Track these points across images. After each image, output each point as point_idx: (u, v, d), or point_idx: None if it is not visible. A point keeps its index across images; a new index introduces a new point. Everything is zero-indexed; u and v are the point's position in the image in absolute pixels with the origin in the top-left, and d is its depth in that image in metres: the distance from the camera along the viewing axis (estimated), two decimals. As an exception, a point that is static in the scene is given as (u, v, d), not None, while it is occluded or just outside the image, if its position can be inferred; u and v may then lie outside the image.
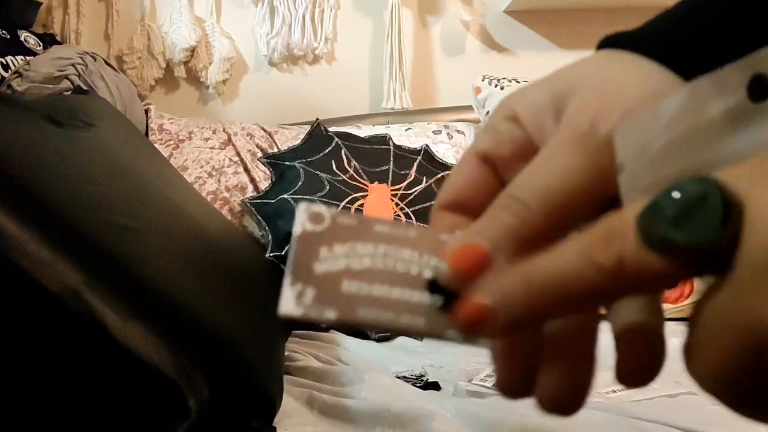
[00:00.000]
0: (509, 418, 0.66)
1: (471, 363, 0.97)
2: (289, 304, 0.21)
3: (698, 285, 1.44)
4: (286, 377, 0.80)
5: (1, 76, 1.23)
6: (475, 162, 0.28)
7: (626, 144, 0.22)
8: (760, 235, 0.16)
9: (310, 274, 0.21)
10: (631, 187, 0.22)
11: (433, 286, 0.22)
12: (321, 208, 0.23)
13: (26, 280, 0.53)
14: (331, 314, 0.21)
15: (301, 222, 0.22)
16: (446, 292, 0.22)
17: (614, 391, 0.83)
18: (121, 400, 0.57)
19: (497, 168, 0.28)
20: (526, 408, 0.72)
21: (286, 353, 0.94)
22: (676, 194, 0.17)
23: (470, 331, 0.21)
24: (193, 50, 1.73)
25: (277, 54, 1.77)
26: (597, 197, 0.23)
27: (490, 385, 0.83)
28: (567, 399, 0.22)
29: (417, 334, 0.22)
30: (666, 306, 1.44)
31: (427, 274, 0.22)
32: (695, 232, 0.17)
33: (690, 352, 0.19)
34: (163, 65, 1.72)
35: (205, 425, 0.59)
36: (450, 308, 0.21)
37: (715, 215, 0.17)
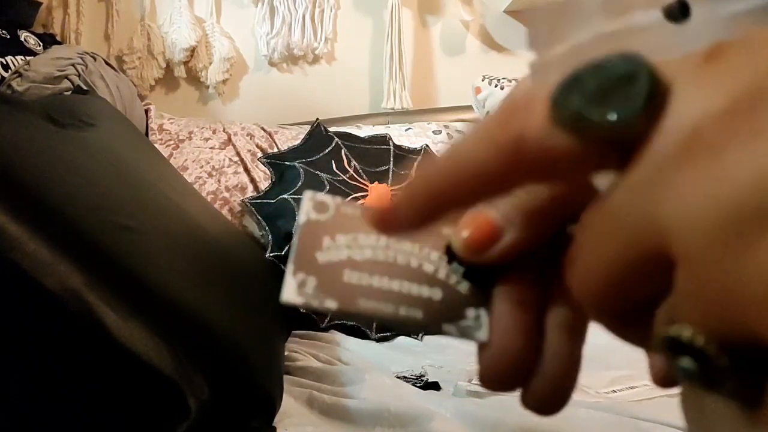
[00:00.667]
0: (509, 417, 0.66)
1: (471, 363, 0.97)
2: (291, 292, 0.21)
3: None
4: (286, 377, 0.80)
5: (1, 76, 1.23)
6: None
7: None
8: (679, 121, 0.15)
9: (312, 264, 0.21)
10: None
11: (450, 254, 0.22)
12: (326, 197, 0.23)
13: (26, 280, 0.53)
14: (331, 304, 0.21)
15: (306, 211, 0.22)
16: (464, 264, 0.22)
17: (614, 391, 0.83)
18: (121, 400, 0.57)
19: None
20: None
21: (286, 353, 0.93)
22: (600, 69, 0.16)
23: (385, 226, 0.21)
24: (193, 50, 1.73)
25: (277, 54, 1.77)
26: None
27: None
28: (556, 397, 0.21)
29: (414, 327, 0.22)
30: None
31: (428, 267, 0.22)
32: (612, 111, 0.15)
33: (571, 261, 0.18)
34: (163, 65, 1.73)
35: (205, 425, 0.59)
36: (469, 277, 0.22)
37: (638, 96, 0.15)
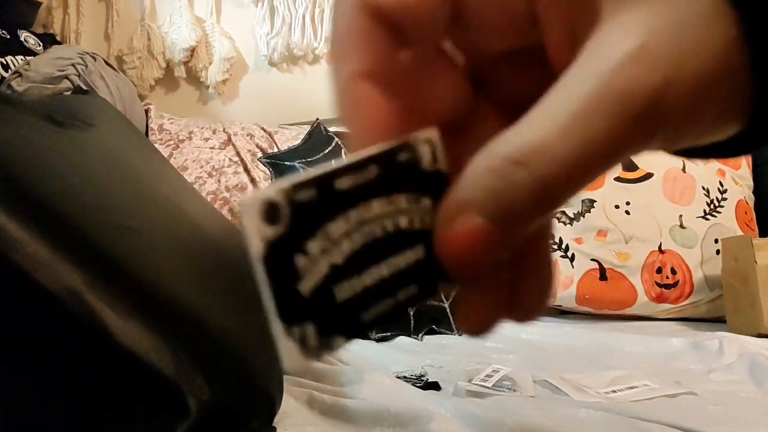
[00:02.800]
0: (509, 418, 0.66)
1: (471, 363, 0.97)
2: (294, 357, 0.16)
3: (698, 285, 1.44)
4: (286, 377, 0.80)
5: (1, 76, 1.23)
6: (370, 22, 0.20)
7: None
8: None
9: (300, 306, 0.17)
10: None
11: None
12: (270, 193, 0.17)
13: (26, 280, 0.53)
14: (340, 342, 0.17)
15: (257, 229, 0.16)
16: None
17: (614, 391, 0.83)
18: (120, 400, 0.57)
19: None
20: (526, 408, 0.72)
21: (286, 353, 0.93)
22: None
23: (465, 269, 0.18)
24: (193, 50, 1.73)
25: (277, 54, 1.77)
26: None
27: (490, 385, 0.83)
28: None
29: (414, 304, 0.18)
30: (666, 306, 1.44)
31: (403, 222, 0.18)
32: None
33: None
34: (163, 65, 1.73)
35: (204, 425, 0.59)
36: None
37: None
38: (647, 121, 0.16)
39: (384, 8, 0.19)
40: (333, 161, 0.18)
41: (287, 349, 0.16)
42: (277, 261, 0.16)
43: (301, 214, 0.17)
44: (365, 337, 0.19)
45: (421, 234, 0.18)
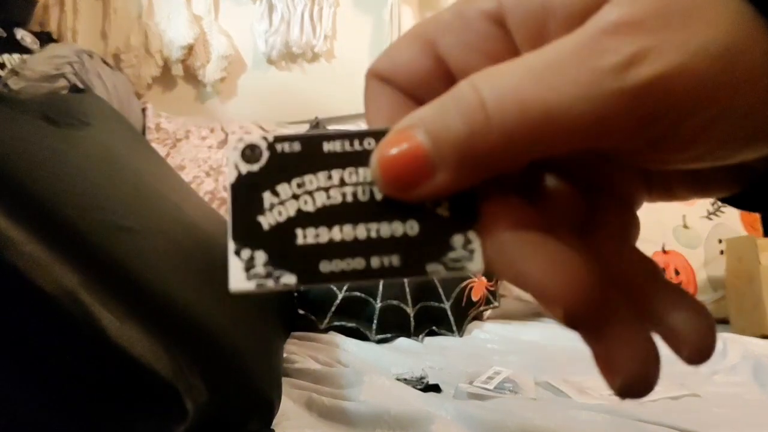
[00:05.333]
0: (510, 420, 0.65)
1: (472, 365, 0.96)
2: (238, 278, 0.17)
3: (701, 286, 1.44)
4: (284, 379, 0.79)
5: (-3, 74, 1.22)
6: (423, 48, 0.20)
7: None
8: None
9: (256, 233, 0.18)
10: None
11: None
12: (254, 138, 0.18)
13: (22, 281, 0.52)
14: (289, 279, 0.17)
15: (234, 162, 0.18)
16: None
17: (616, 393, 0.82)
18: (117, 403, 0.57)
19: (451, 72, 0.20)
20: (527, 410, 0.71)
21: (284, 355, 0.93)
22: None
23: (392, 187, 0.17)
24: (190, 48, 1.72)
25: (276, 52, 1.76)
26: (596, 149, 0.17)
27: (491, 387, 0.82)
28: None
29: (392, 276, 0.18)
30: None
31: None
32: None
33: None
34: (161, 63, 1.72)
35: (202, 428, 0.58)
36: None
37: None
38: (631, 92, 0.15)
39: (380, 72, 0.21)
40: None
41: (233, 267, 0.17)
42: (245, 191, 0.18)
43: (280, 161, 0.18)
44: (319, 284, 0.18)
45: (417, 211, 0.18)
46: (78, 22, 1.67)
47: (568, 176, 0.21)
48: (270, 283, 0.17)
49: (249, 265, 0.17)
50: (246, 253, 0.17)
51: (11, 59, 1.28)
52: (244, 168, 0.18)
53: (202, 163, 1.42)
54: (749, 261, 1.25)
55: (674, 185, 0.21)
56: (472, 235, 0.18)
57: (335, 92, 1.76)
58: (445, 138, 0.16)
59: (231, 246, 0.17)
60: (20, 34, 1.39)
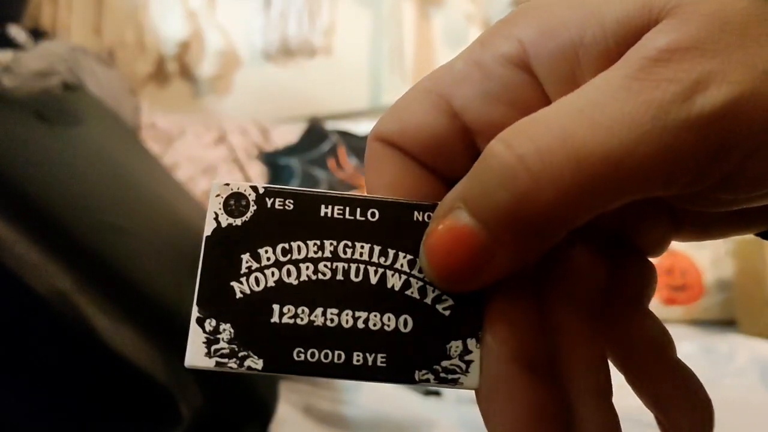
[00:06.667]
0: (513, 424, 0.65)
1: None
2: (197, 351, 0.15)
3: (708, 287, 1.43)
4: (282, 383, 0.79)
5: (-11, 70, 1.21)
6: (436, 104, 0.18)
7: None
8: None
9: (226, 301, 0.15)
10: None
11: None
12: (242, 186, 0.16)
13: (14, 282, 0.52)
14: (255, 364, 0.15)
15: (214, 211, 0.16)
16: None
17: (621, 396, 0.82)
18: (111, 407, 0.57)
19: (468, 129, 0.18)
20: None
21: (282, 356, 0.92)
22: None
23: (443, 276, 0.15)
24: (186, 44, 1.71)
25: (273, 48, 1.75)
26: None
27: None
28: None
29: (374, 379, 0.16)
30: (676, 308, 1.43)
31: (393, 281, 0.16)
32: None
33: None
34: (156, 59, 1.71)
35: (198, 434, 0.58)
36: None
37: None
38: (699, 121, 0.13)
39: (386, 136, 0.19)
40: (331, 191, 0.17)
41: (193, 337, 0.15)
42: (222, 248, 0.16)
43: (267, 218, 0.16)
44: (288, 374, 0.16)
45: (415, 304, 0.16)
46: (71, 18, 1.66)
47: (591, 234, 0.18)
48: (232, 365, 0.15)
49: (212, 339, 0.15)
50: (210, 324, 0.15)
51: (3, 56, 1.27)
52: (225, 220, 0.16)
53: (198, 161, 1.42)
54: (757, 262, 1.25)
55: (713, 223, 0.19)
56: (471, 344, 0.16)
57: (334, 89, 1.75)
58: (493, 214, 0.14)
59: (195, 312, 0.15)
60: (12, 30, 1.38)
